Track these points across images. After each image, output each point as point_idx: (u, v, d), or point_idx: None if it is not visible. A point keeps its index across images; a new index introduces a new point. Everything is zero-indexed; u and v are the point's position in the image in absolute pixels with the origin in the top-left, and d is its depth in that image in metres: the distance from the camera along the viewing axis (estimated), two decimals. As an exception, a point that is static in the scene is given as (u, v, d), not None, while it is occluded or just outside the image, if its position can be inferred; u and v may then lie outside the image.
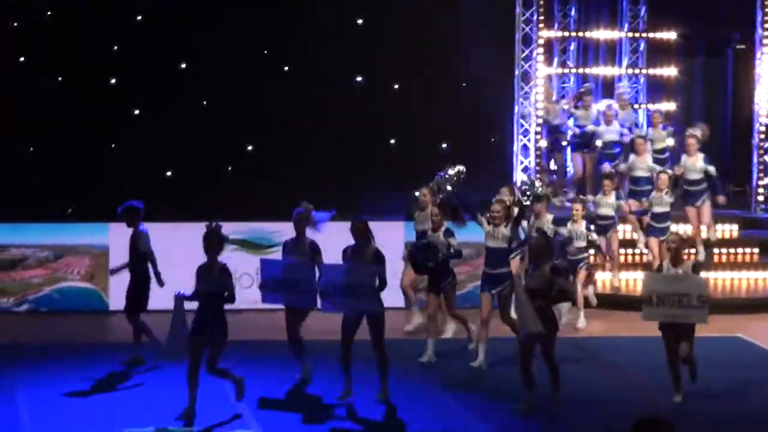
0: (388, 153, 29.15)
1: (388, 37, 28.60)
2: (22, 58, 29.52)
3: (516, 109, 27.76)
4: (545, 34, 27.86)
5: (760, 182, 27.73)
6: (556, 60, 29.19)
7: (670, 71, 28.93)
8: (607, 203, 23.87)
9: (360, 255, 17.35)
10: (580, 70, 29.15)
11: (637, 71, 29.18)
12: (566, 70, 29.28)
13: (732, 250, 25.85)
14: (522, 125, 27.75)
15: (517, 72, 27.56)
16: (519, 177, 27.26)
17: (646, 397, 17.47)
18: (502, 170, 27.80)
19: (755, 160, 27.76)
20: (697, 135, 24.33)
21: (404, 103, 28.54)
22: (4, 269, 24.43)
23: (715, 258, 25.70)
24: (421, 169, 25.20)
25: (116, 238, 23.17)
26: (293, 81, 29.47)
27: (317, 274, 17.97)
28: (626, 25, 29.17)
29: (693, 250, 23.90)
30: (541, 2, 27.59)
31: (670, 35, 28.86)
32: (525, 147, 27.76)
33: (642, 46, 29.19)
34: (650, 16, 29.08)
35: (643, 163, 24.44)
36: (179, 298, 17.14)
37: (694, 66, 30.03)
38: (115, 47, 29.64)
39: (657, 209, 23.43)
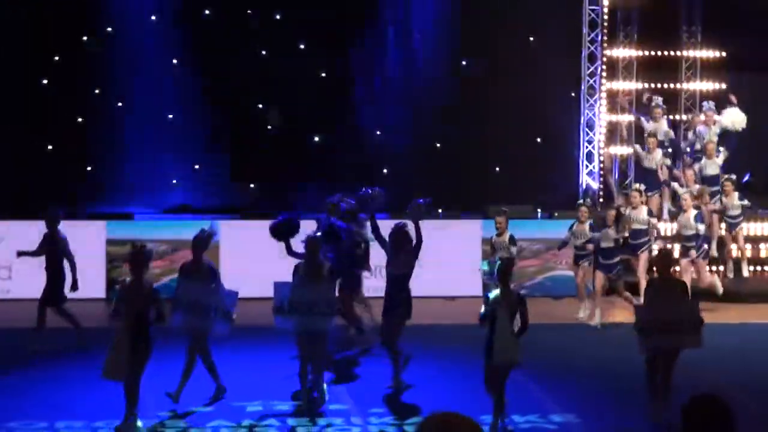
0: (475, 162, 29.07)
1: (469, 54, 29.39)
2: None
3: (582, 119, 28.63)
4: (608, 52, 28.70)
5: None
6: (619, 75, 29.33)
7: (721, 86, 29.32)
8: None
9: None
10: (639, 85, 29.30)
11: (692, 86, 29.62)
12: (628, 86, 29.32)
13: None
14: (587, 134, 28.46)
15: (583, 86, 28.44)
16: (584, 180, 28.37)
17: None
18: (569, 174, 28.94)
19: None
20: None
21: (481, 118, 28.81)
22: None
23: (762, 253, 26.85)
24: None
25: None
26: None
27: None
28: (683, 44, 29.71)
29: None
30: (605, 23, 28.22)
31: (722, 53, 29.49)
32: (590, 153, 28.45)
33: (697, 62, 29.60)
34: (704, 36, 29.58)
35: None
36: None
37: (743, 81, 29.80)
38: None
39: (603, 244, 23.01)
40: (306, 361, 16.81)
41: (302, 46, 30.09)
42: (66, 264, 20.78)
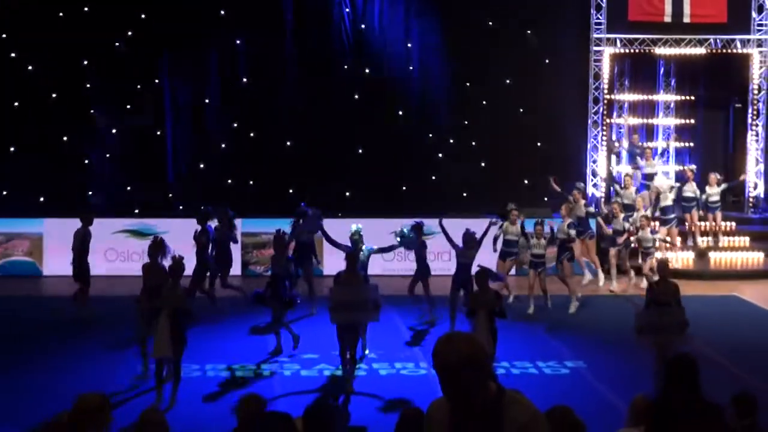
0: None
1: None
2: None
3: (588, 145, 27.96)
4: (608, 96, 28.07)
5: (750, 194, 27.83)
6: (615, 113, 28.87)
7: (690, 121, 28.76)
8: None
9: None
10: (630, 121, 28.68)
11: (668, 121, 28.90)
12: (621, 120, 28.78)
13: (732, 238, 26.09)
14: (592, 156, 27.91)
15: (589, 121, 27.80)
16: (590, 190, 27.53)
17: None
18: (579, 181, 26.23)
19: (748, 178, 27.54)
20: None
21: (517, 144, 27.85)
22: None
23: (722, 243, 25.77)
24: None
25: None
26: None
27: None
28: (661, 91, 29.02)
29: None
30: (605, 76, 27.69)
31: (690, 97, 28.79)
32: (594, 171, 27.81)
33: (672, 104, 28.96)
34: (678, 83, 28.89)
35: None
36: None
37: (708, 118, 29.39)
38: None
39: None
40: (345, 347, 15.61)
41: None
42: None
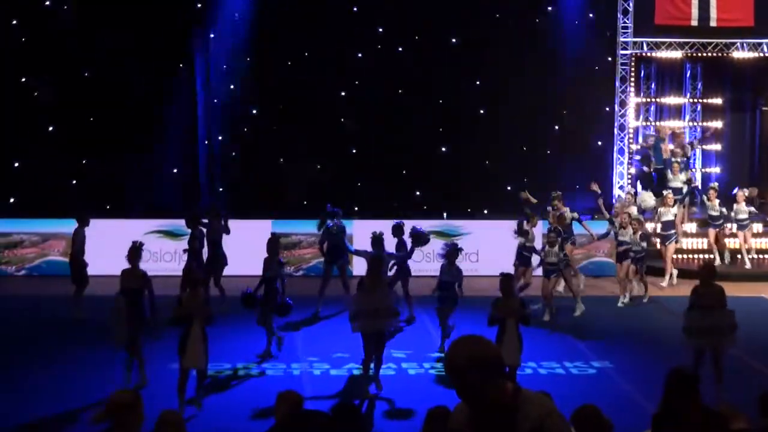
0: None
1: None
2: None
3: (615, 147, 28.13)
4: (634, 99, 28.12)
5: None
6: (641, 116, 28.94)
7: (717, 124, 28.61)
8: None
9: None
10: (656, 123, 28.72)
11: (694, 124, 29.00)
12: (647, 123, 28.90)
13: (759, 240, 25.90)
14: (619, 158, 28.00)
15: (616, 124, 27.99)
16: (616, 191, 27.70)
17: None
18: (606, 187, 27.19)
19: None
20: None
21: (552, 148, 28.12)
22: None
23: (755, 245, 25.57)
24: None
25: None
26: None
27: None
28: (688, 94, 29.14)
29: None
30: (632, 79, 27.77)
31: (717, 100, 28.84)
32: (621, 173, 27.98)
33: (698, 107, 29.09)
34: (704, 87, 28.99)
35: None
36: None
37: (735, 120, 29.33)
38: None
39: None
40: (370, 354, 15.28)
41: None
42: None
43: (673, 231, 23.51)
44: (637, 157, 27.91)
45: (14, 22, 26.74)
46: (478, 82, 28.02)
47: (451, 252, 17.89)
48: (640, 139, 28.46)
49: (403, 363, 17.04)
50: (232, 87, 27.71)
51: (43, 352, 17.32)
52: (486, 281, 21.48)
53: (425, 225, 24.37)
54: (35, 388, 15.40)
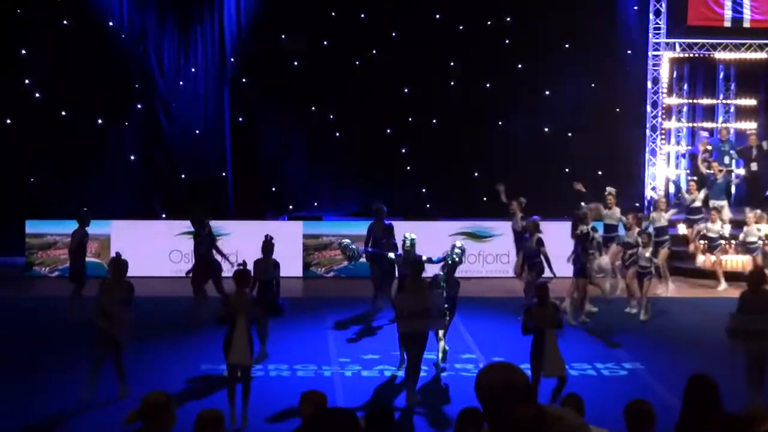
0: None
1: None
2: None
3: (647, 148, 28.00)
4: (667, 101, 27.92)
5: None
6: (674, 117, 28.62)
7: (751, 125, 27.94)
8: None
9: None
10: (690, 124, 28.59)
11: (728, 125, 28.23)
12: (681, 125, 28.66)
13: None
14: (651, 160, 27.93)
15: (648, 125, 27.83)
16: (648, 193, 27.70)
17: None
18: (638, 188, 27.84)
19: None
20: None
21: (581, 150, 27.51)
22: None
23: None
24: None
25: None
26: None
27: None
28: (721, 95, 28.76)
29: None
30: (664, 80, 27.71)
31: (751, 101, 28.39)
32: (653, 175, 27.87)
33: (732, 108, 28.70)
34: (737, 88, 28.66)
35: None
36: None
37: None
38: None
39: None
40: (413, 356, 15.26)
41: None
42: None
43: (666, 237, 22.98)
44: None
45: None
46: (503, 86, 27.99)
47: (448, 264, 17.31)
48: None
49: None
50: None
51: (71, 351, 17.22)
52: (518, 282, 21.40)
53: (456, 226, 24.80)
54: (63, 388, 15.44)
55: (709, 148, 26.70)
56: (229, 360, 14.16)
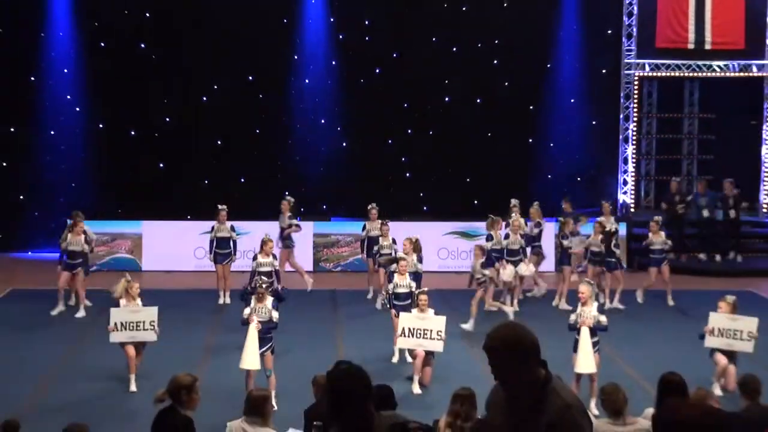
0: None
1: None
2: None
3: (620, 158, 27.72)
4: (638, 114, 27.90)
5: (765, 200, 27.31)
6: (644, 129, 28.73)
7: (711, 136, 28.28)
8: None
9: None
10: (658, 135, 28.86)
11: (692, 136, 28.70)
12: (649, 135, 28.81)
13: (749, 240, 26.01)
14: (623, 166, 27.67)
15: (621, 136, 27.67)
16: (621, 197, 27.53)
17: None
18: (612, 193, 27.45)
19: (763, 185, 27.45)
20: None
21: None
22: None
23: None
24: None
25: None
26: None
27: None
28: (686, 109, 29.02)
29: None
30: (635, 98, 27.64)
31: (712, 115, 28.43)
32: (625, 181, 27.62)
33: (695, 121, 28.93)
34: (701, 103, 28.80)
35: None
36: None
37: (727, 134, 28.36)
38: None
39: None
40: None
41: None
42: None
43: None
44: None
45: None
46: (479, 100, 28.03)
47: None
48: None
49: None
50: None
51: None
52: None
53: (450, 226, 24.95)
54: (98, 373, 15.44)
55: (689, 199, 25.94)
56: (240, 365, 13.90)
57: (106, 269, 23.96)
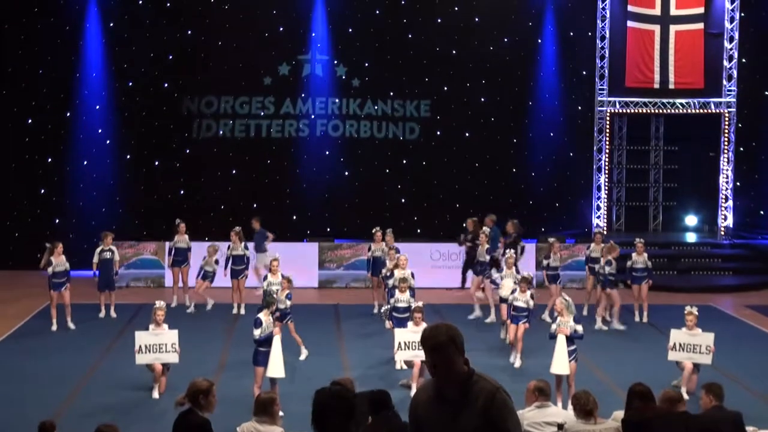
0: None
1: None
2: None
3: (594, 186, 27.57)
4: (608, 147, 27.71)
5: (722, 224, 26.94)
6: (615, 160, 28.96)
7: (675, 166, 28.55)
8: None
9: None
10: (628, 166, 29.01)
11: (657, 166, 28.66)
12: (620, 165, 28.89)
13: (706, 260, 25.74)
14: (597, 193, 27.51)
15: (595, 166, 27.54)
16: (594, 221, 27.18)
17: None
18: (586, 216, 27.49)
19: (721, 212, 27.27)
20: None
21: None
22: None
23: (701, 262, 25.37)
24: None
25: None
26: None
27: None
28: (652, 142, 29.08)
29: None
30: (607, 132, 27.56)
31: (675, 147, 28.63)
32: (598, 206, 27.41)
33: (660, 153, 29.00)
34: (665, 136, 28.95)
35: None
36: None
37: (689, 164, 28.84)
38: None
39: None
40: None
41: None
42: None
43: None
44: None
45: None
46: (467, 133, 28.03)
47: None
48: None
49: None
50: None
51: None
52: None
53: (437, 247, 24.71)
54: (125, 381, 15.24)
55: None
56: (267, 373, 13.62)
57: (133, 269, 23.95)
